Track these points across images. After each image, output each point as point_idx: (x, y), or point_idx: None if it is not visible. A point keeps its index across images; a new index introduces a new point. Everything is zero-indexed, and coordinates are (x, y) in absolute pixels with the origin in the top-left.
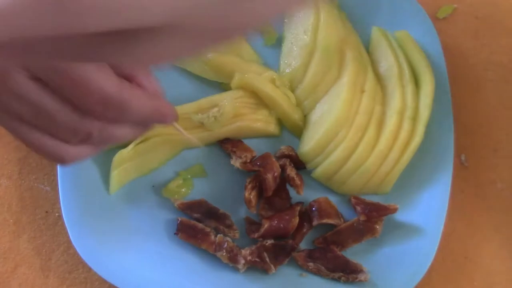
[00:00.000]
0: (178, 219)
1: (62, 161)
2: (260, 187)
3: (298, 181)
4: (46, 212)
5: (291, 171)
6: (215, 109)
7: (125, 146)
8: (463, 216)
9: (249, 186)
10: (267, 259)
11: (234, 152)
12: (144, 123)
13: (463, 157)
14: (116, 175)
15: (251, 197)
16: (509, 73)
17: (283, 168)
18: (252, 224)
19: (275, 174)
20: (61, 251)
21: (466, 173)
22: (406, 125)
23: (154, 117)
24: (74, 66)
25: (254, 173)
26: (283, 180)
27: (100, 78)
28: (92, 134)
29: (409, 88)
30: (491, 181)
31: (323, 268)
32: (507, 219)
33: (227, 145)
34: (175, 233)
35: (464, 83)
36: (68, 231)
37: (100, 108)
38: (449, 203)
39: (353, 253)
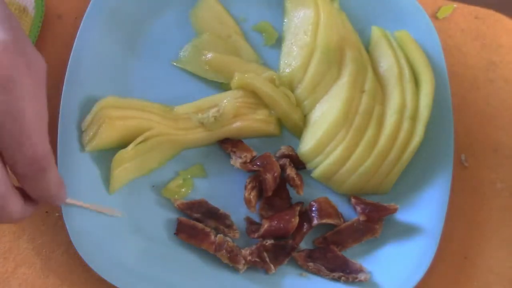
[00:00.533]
0: (178, 219)
1: None
2: (260, 187)
3: (298, 181)
4: (46, 212)
5: (291, 171)
6: (215, 109)
7: (125, 146)
8: (463, 216)
9: (249, 186)
10: (267, 259)
11: (234, 152)
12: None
13: (463, 157)
14: (116, 175)
15: (251, 197)
16: (509, 73)
17: (283, 168)
18: (252, 224)
19: (275, 174)
20: (61, 251)
21: (466, 173)
22: (406, 125)
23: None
24: None
25: (254, 173)
26: (283, 180)
27: None
28: None
29: (409, 88)
30: (491, 181)
31: (323, 268)
32: (507, 219)
33: (227, 145)
34: (175, 233)
35: (464, 83)
36: (68, 231)
37: None
38: (449, 203)
39: (353, 253)
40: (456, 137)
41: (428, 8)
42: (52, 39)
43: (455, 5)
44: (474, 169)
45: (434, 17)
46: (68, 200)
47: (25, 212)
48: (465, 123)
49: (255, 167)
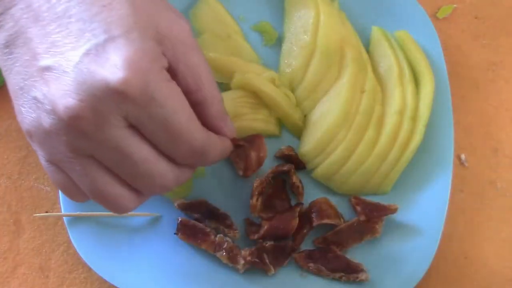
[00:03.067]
0: (178, 219)
1: (123, 210)
2: (265, 193)
3: (301, 190)
4: (46, 212)
5: (296, 180)
6: None
7: None
8: (463, 216)
9: (256, 192)
10: (267, 260)
11: (237, 162)
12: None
13: (463, 157)
14: None
15: (258, 203)
16: (509, 73)
17: (288, 173)
18: (252, 225)
19: (261, 155)
20: (61, 251)
21: (466, 173)
22: (406, 125)
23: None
24: (170, 116)
25: (259, 177)
26: (283, 182)
27: (192, 130)
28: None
29: (409, 88)
30: (491, 181)
31: (323, 268)
32: (507, 219)
33: (232, 153)
34: (175, 233)
35: (464, 83)
36: (68, 231)
37: (186, 155)
38: (449, 203)
39: (353, 253)
40: (456, 137)
41: (428, 8)
42: None
43: (455, 5)
44: (474, 169)
45: (434, 17)
46: (97, 214)
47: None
48: (465, 123)
49: (241, 143)
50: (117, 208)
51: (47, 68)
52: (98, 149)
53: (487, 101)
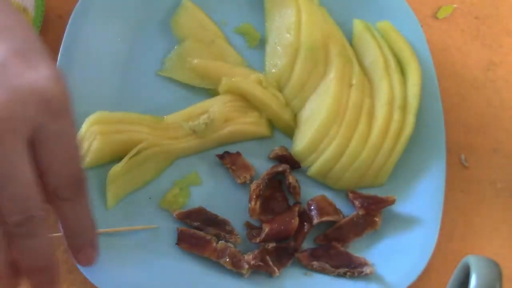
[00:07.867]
0: (178, 229)
1: None
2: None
3: (298, 189)
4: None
5: (292, 180)
6: (205, 116)
7: (118, 160)
8: (463, 216)
9: (254, 195)
10: (270, 263)
11: (233, 170)
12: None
13: (463, 157)
14: (112, 190)
15: (257, 207)
16: (509, 73)
17: (284, 174)
18: (252, 229)
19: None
20: (61, 251)
21: (466, 173)
22: (396, 116)
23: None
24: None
25: (256, 180)
26: (280, 183)
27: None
28: None
29: (396, 78)
30: (491, 181)
31: (327, 265)
32: (507, 219)
33: (226, 160)
34: (176, 244)
35: (464, 83)
36: None
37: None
38: (449, 203)
39: (355, 248)
40: (456, 137)
41: (428, 8)
42: (52, 39)
43: (455, 5)
44: (474, 169)
45: (434, 17)
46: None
47: None
48: (465, 123)
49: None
50: None
51: None
52: None
53: (487, 101)
